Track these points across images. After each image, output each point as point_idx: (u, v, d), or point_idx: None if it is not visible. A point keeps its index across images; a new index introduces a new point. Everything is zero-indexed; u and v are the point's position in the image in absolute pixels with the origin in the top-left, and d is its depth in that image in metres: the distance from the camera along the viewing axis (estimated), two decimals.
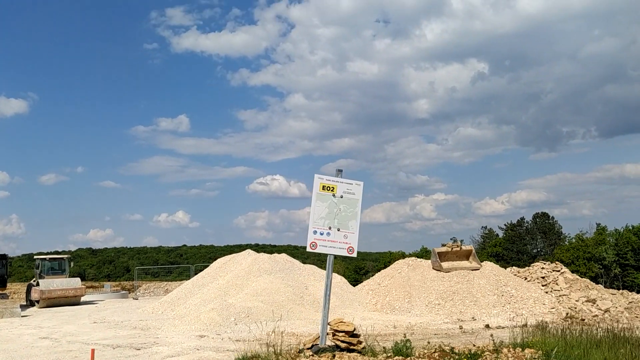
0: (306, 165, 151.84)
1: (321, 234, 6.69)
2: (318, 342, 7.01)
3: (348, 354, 6.47)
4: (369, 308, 19.43)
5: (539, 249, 71.72)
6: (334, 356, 6.36)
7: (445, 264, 20.92)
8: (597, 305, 18.69)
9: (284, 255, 23.32)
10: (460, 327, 14.87)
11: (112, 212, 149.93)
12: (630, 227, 60.75)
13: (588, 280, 23.04)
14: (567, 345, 7.81)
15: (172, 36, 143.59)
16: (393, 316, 17.71)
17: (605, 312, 17.86)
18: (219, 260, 24.72)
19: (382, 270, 25.65)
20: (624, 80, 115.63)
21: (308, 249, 6.65)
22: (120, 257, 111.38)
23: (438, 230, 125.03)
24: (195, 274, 33.60)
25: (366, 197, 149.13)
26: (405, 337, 7.34)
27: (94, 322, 18.21)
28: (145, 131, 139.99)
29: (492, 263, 22.33)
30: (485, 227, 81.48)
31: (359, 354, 6.46)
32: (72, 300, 25.58)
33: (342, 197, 6.77)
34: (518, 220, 74.10)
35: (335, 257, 6.80)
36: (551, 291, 20.96)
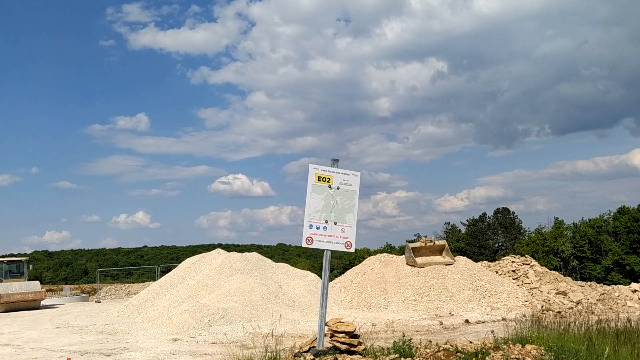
0: (269, 164, 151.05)
1: (317, 228, 6.28)
2: (315, 345, 6.59)
3: (350, 356, 6.08)
4: (344, 305, 19.11)
5: (500, 244, 73.27)
6: (336, 359, 5.95)
7: (419, 259, 20.83)
8: (569, 297, 18.93)
9: (255, 254, 22.76)
10: (441, 323, 14.72)
11: (69, 213, 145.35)
12: (587, 221, 62.78)
13: (557, 273, 23.41)
14: (562, 339, 7.64)
15: (129, 33, 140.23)
16: (370, 313, 17.45)
17: (577, 304, 18.09)
18: (187, 260, 23.95)
19: (354, 267, 25.43)
20: (576, 80, 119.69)
21: (304, 244, 6.24)
22: (78, 260, 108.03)
23: (400, 227, 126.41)
24: (162, 275, 32.61)
25: None
26: (404, 336, 7.01)
27: (57, 327, 17.24)
28: (102, 130, 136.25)
29: (465, 258, 22.40)
30: (448, 223, 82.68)
31: (361, 357, 6.08)
32: (31, 305, 24.33)
33: (338, 188, 6.37)
34: (480, 215, 75.50)
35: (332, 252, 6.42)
36: (522, 284, 21.15)
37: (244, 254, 22.15)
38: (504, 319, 15.21)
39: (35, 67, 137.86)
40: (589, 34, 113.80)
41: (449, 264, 20.80)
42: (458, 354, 6.03)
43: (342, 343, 6.30)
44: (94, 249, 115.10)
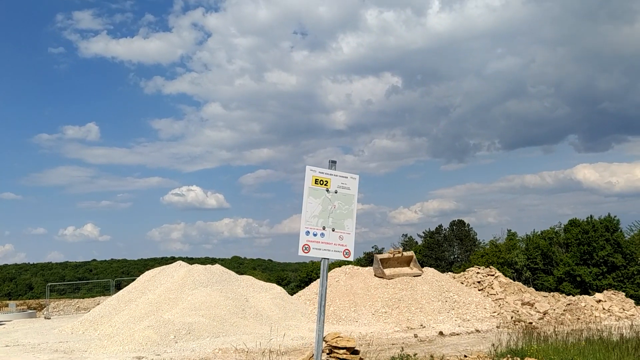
0: (224, 176, 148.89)
1: (314, 234, 5.82)
2: None
3: None
4: (312, 319, 18.58)
5: (455, 255, 74.45)
6: None
7: (387, 271, 20.60)
8: (535, 308, 19.08)
9: (218, 266, 21.96)
10: (415, 336, 14.44)
11: (12, 225, 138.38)
12: (539, 233, 64.65)
13: (520, 284, 23.69)
14: (558, 351, 7.44)
15: (79, 40, 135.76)
16: (340, 326, 17.00)
17: (544, 314, 18.23)
18: (146, 273, 22.86)
19: (318, 280, 25.00)
20: (523, 97, 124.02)
21: (300, 253, 5.77)
22: (22, 274, 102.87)
23: (355, 239, 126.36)
24: (116, 289, 31.15)
25: (286, 208, 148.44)
26: (402, 350, 6.61)
27: (6, 346, 15.94)
28: (50, 139, 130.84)
29: (432, 269, 22.33)
30: (405, 235, 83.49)
31: None
32: None
33: (336, 192, 5.96)
34: (436, 227, 76.43)
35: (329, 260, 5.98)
36: (487, 295, 21.23)
37: (206, 266, 21.33)
38: (477, 331, 15.10)
39: None
40: (536, 53, 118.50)
41: (417, 275, 20.67)
42: None
43: None
44: (39, 262, 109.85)
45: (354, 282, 21.28)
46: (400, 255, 21.25)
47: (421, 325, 16.88)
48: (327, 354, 6.19)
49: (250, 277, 22.16)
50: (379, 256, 21.17)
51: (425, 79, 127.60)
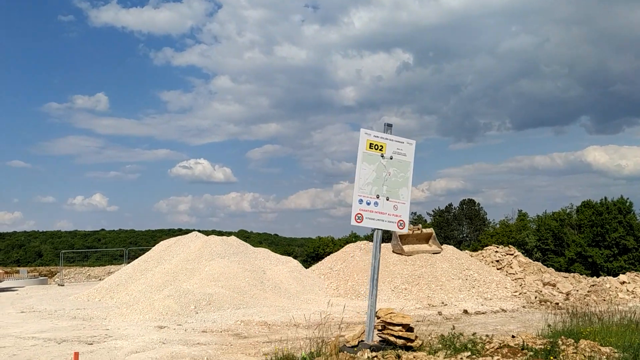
0: (231, 150, 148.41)
1: (368, 203, 5.41)
2: (364, 339, 5.74)
3: (414, 353, 5.26)
4: (330, 293, 18.34)
5: (464, 235, 74.13)
6: (398, 356, 5.12)
7: (406, 247, 20.26)
8: (558, 288, 18.72)
9: (234, 238, 21.70)
10: (440, 313, 14.13)
11: (22, 193, 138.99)
12: (550, 214, 64.10)
13: (540, 264, 23.31)
14: (612, 333, 7.04)
15: (89, 9, 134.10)
16: (360, 302, 16.72)
17: (567, 295, 17.88)
18: (162, 242, 22.66)
19: (332, 255, 24.73)
20: (536, 76, 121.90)
21: (352, 223, 5.38)
22: (32, 242, 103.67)
23: None
24: (131, 258, 31.10)
25: (292, 184, 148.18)
26: (453, 328, 6.28)
27: (21, 312, 15.82)
28: (60, 109, 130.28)
29: (452, 247, 21.97)
30: (414, 213, 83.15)
31: (427, 354, 5.26)
32: None
33: (391, 158, 5.52)
34: (446, 206, 76.03)
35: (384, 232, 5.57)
36: (507, 274, 20.89)
37: (223, 237, 21.07)
38: (503, 310, 14.78)
39: None
40: (551, 32, 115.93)
41: (436, 253, 20.33)
42: (524, 351, 5.32)
43: (399, 337, 5.48)
44: (49, 230, 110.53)
45: (370, 257, 21.00)
46: (419, 232, 20.88)
47: (442, 302, 16.59)
48: (379, 330, 5.83)
49: (266, 249, 21.91)
50: (398, 232, 20.79)
51: (437, 56, 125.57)
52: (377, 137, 5.52)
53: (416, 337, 5.74)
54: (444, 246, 21.34)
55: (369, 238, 57.52)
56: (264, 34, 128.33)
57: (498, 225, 66.29)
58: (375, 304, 5.32)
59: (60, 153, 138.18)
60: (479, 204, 75.69)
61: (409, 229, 21.29)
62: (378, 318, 5.94)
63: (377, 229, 5.50)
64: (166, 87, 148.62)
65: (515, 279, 20.16)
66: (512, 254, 22.64)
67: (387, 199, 5.52)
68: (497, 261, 22.23)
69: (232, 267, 17.34)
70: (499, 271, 20.74)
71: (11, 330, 12.38)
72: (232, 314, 13.42)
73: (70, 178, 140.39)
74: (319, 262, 26.19)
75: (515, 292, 18.19)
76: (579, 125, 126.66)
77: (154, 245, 24.61)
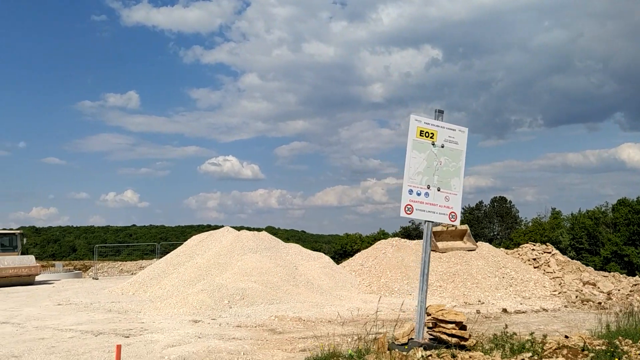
0: (259, 147, 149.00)
1: (418, 194, 5.15)
2: (414, 336, 5.49)
3: (469, 353, 4.98)
4: (363, 290, 18.09)
5: (495, 232, 72.82)
6: (454, 356, 4.85)
7: (441, 244, 19.85)
8: (598, 287, 18.07)
9: (265, 233, 21.62)
10: (478, 312, 13.74)
11: (57, 190, 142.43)
12: (585, 212, 62.42)
13: (579, 263, 22.57)
14: None
15: (122, 8, 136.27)
16: (393, 299, 16.43)
17: (609, 294, 17.23)
18: (194, 237, 22.74)
19: (363, 251, 24.47)
20: (570, 72, 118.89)
21: (402, 214, 5.13)
22: (66, 237, 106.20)
23: (389, 214, 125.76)
24: (162, 253, 31.39)
25: (319, 180, 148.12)
26: (506, 327, 5.99)
27: (58, 304, 16.03)
28: (93, 107, 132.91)
29: (487, 244, 21.46)
30: None
31: (484, 355, 4.98)
32: (25, 280, 23.02)
33: (442, 146, 5.25)
34: (477, 204, 74.86)
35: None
36: (544, 273, 20.28)
37: (255, 232, 21.00)
38: (544, 310, 14.29)
39: (26, 40, 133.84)
40: (585, 27, 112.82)
41: (471, 250, 19.87)
42: (585, 352, 4.99)
43: (452, 335, 5.21)
44: (82, 226, 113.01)
45: (402, 254, 20.64)
46: (454, 228, 20.43)
47: (479, 301, 16.16)
48: (430, 327, 5.57)
49: (298, 245, 21.76)
50: (432, 228, 20.42)
51: (467, 51, 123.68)
52: (428, 124, 5.25)
53: (470, 335, 5.46)
54: (479, 243, 20.86)
55: (398, 235, 56.94)
56: (292, 32, 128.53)
57: (530, 224, 64.96)
58: (426, 300, 5.07)
59: (93, 150, 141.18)
60: (510, 202, 74.24)
61: (442, 225, 20.89)
62: (428, 315, 5.68)
63: (428, 221, 5.24)
64: (195, 85, 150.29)
65: (553, 278, 19.56)
66: (549, 252, 22.00)
67: (438, 190, 5.25)
68: (534, 259, 21.62)
69: (264, 262, 17.24)
70: (536, 269, 20.16)
71: (49, 322, 12.50)
72: (266, 309, 13.29)
73: (102, 175, 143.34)
74: (350, 258, 25.98)
75: (555, 291, 17.62)
76: (612, 122, 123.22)
77: (184, 241, 24.77)
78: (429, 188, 5.22)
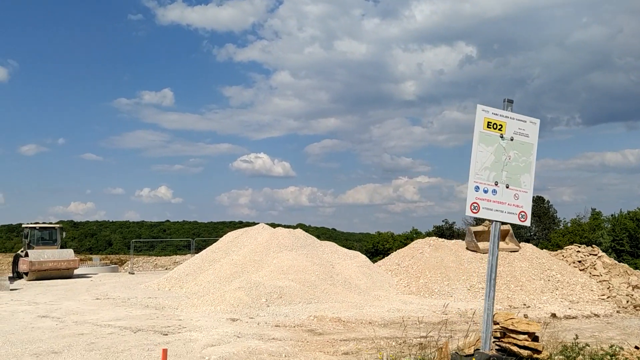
0: (291, 145, 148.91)
1: (485, 191, 4.72)
2: (480, 347, 5.06)
3: None
4: (401, 290, 17.61)
5: (532, 233, 70.99)
6: None
7: (482, 244, 19.18)
8: None
9: (300, 231, 21.33)
10: (525, 316, 13.11)
11: (94, 185, 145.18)
12: (626, 213, 60.24)
13: (626, 265, 21.54)
14: None
15: (157, 7, 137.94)
16: (434, 300, 15.92)
17: None
18: (229, 234, 22.64)
19: (399, 250, 23.96)
20: (609, 69, 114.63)
21: (467, 213, 4.71)
22: (102, 231, 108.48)
23: (420, 212, 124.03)
24: (196, 249, 31.50)
25: (350, 178, 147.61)
26: (577, 337, 5.51)
27: (96, 299, 16.09)
28: (128, 104, 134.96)
29: (531, 245, 20.66)
30: None
31: None
32: (64, 273, 23.34)
33: (512, 139, 4.80)
34: None
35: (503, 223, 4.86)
36: (590, 276, 19.40)
37: (290, 229, 20.73)
38: (595, 315, 13.57)
39: (66, 40, 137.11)
40: (624, 23, 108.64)
41: (514, 251, 19.14)
42: None
43: (523, 347, 4.77)
44: (118, 221, 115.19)
45: (441, 254, 20.04)
46: None
47: (524, 304, 15.50)
48: (498, 338, 5.13)
49: (333, 243, 21.40)
50: (473, 228, 19.75)
51: (502, 48, 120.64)
52: (496, 114, 4.80)
53: (543, 347, 4.99)
54: (522, 244, 20.09)
55: (430, 234, 55.90)
56: (324, 29, 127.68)
57: (569, 224, 63.07)
58: (493, 307, 4.63)
59: (129, 147, 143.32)
60: (548, 202, 72.22)
61: (484, 225, 20.20)
62: (496, 324, 5.24)
63: (495, 220, 4.79)
64: (228, 83, 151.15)
65: (600, 281, 18.69)
66: (595, 254, 21.04)
67: (507, 187, 4.80)
68: (580, 261, 20.72)
69: (300, 260, 16.95)
70: (582, 272, 19.30)
71: (88, 317, 12.48)
72: (304, 309, 12.98)
73: (137, 171, 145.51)
74: (385, 257, 25.50)
75: (603, 295, 16.80)
76: None
77: (216, 237, 24.59)
78: (496, 185, 4.77)
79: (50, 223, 26.41)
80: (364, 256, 20.45)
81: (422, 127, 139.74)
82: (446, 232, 60.19)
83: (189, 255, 38.93)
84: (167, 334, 10.02)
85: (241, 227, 25.54)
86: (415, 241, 24.29)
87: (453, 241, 22.49)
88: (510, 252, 19.02)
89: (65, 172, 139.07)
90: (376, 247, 60.09)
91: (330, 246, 20.49)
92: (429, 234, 63.37)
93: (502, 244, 19.72)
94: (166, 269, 33.13)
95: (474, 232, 19.42)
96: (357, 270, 17.88)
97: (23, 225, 25.64)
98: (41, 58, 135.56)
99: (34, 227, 24.84)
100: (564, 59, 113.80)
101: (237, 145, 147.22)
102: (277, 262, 17.01)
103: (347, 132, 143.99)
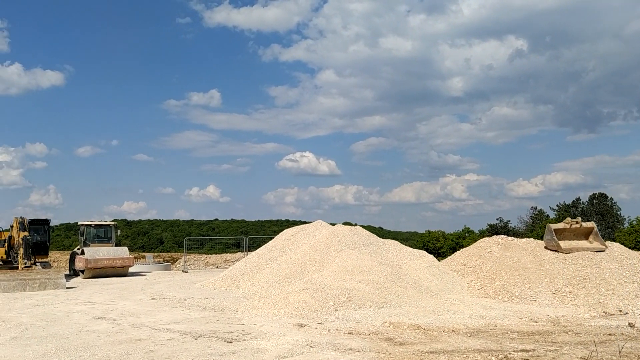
0: (336, 143, 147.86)
1: None
2: None
3: None
4: (474, 293, 16.10)
5: None
6: None
7: (563, 243, 17.41)
8: None
9: (360, 228, 20.10)
10: (631, 325, 11.44)
11: (145, 185, 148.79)
12: None
13: None
14: None
15: (204, 10, 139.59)
16: (515, 305, 14.34)
17: None
18: (285, 231, 21.67)
19: (464, 249, 22.37)
20: None
21: None
22: (154, 229, 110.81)
23: (469, 211, 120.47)
24: (249, 247, 30.79)
25: (396, 177, 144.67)
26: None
27: (152, 299, 15.40)
28: (177, 105, 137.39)
29: (618, 244, 18.68)
30: (535, 208, 77.20)
31: None
32: (119, 271, 23.02)
33: None
34: (573, 201, 69.45)
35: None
36: None
37: (350, 226, 19.55)
38: None
39: (118, 44, 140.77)
40: None
41: (600, 251, 17.27)
42: None
43: None
44: (169, 219, 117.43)
45: (513, 254, 18.35)
46: (578, 226, 17.91)
47: (620, 310, 13.73)
48: None
49: (396, 241, 20.05)
50: (553, 226, 17.97)
51: (555, 41, 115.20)
52: None
53: None
54: (609, 243, 18.16)
55: (484, 233, 53.56)
56: (369, 27, 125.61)
57: (635, 222, 59.31)
58: None
59: (179, 147, 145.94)
60: (611, 199, 68.37)
61: (565, 222, 18.40)
62: None
63: None
64: (274, 83, 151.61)
65: None
66: None
67: None
68: None
69: (364, 260, 15.72)
70: None
71: (144, 319, 11.69)
72: (376, 314, 11.75)
73: (187, 171, 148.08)
74: (448, 257, 23.99)
75: None
76: None
77: (264, 235, 23.66)
78: None
79: (105, 221, 26.22)
80: (430, 256, 19.04)
81: (470, 123, 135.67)
82: (500, 230, 57.61)
83: (239, 253, 38.46)
84: (231, 342, 9.00)
85: (288, 226, 24.61)
86: (481, 240, 22.66)
87: (525, 240, 20.75)
88: (596, 252, 17.17)
89: (118, 173, 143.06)
90: (426, 246, 58.12)
91: (394, 245, 19.17)
92: (482, 233, 60.94)
93: (585, 243, 17.88)
94: (217, 267, 32.67)
95: (555, 229, 17.66)
96: (426, 271, 16.50)
97: (79, 223, 25.54)
98: (94, 62, 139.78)
99: (90, 225, 24.67)
100: (620, 51, 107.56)
101: (283, 145, 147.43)
102: (340, 261, 15.85)
103: (393, 129, 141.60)
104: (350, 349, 8.61)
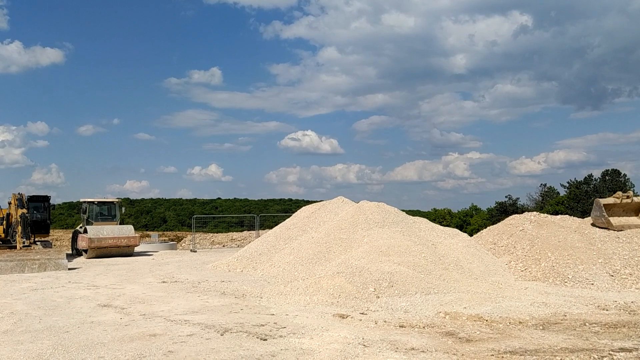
0: (338, 122, 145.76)
1: None
2: None
3: None
4: (517, 276, 14.52)
5: None
6: None
7: (613, 220, 15.79)
8: None
9: (386, 205, 18.43)
10: None
11: (147, 164, 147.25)
12: None
13: None
14: None
15: None
16: (571, 289, 12.73)
17: None
18: (304, 208, 20.05)
19: (493, 226, 20.77)
20: None
21: None
22: (157, 208, 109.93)
23: (471, 189, 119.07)
24: (260, 225, 29.23)
25: (399, 155, 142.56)
26: None
27: (162, 282, 13.86)
28: (178, 84, 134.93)
29: None
30: (544, 185, 75.57)
31: None
32: (124, 251, 21.50)
33: None
34: (585, 177, 67.72)
35: None
36: None
37: (377, 203, 17.87)
38: None
39: (118, 21, 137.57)
40: None
41: None
42: None
43: None
44: (172, 198, 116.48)
45: (550, 232, 16.75)
46: (629, 201, 16.25)
47: None
48: None
49: (425, 219, 18.40)
50: (602, 201, 16.32)
51: (560, 16, 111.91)
52: None
53: None
54: None
55: (492, 211, 51.88)
56: (371, 3, 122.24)
57: None
58: None
59: (180, 126, 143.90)
60: (625, 175, 66.56)
61: (615, 196, 16.75)
62: None
63: None
64: (275, 61, 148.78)
65: None
66: None
67: None
68: None
69: (398, 239, 14.11)
70: None
71: (157, 307, 10.13)
72: (425, 301, 10.17)
73: (189, 150, 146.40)
74: (475, 235, 22.45)
75: None
76: None
77: (267, 214, 22.09)
78: None
79: (109, 198, 24.63)
80: (465, 234, 17.44)
81: (473, 101, 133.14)
82: (509, 208, 55.98)
83: (245, 232, 36.98)
84: (265, 339, 7.42)
85: (291, 205, 23.09)
86: (511, 217, 21.05)
87: (560, 217, 19.19)
88: None
89: (120, 152, 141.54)
90: (442, 224, 56.64)
91: (424, 222, 17.54)
92: (490, 210, 59.29)
93: (636, 220, 16.25)
94: (223, 245, 31.28)
95: (604, 204, 16.02)
96: (465, 251, 14.90)
97: (81, 200, 23.98)
98: (94, 40, 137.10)
99: (93, 202, 23.09)
100: (626, 27, 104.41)
101: (285, 123, 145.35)
102: (370, 240, 14.25)
103: (396, 108, 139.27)
104: (413, 349, 7.04)
